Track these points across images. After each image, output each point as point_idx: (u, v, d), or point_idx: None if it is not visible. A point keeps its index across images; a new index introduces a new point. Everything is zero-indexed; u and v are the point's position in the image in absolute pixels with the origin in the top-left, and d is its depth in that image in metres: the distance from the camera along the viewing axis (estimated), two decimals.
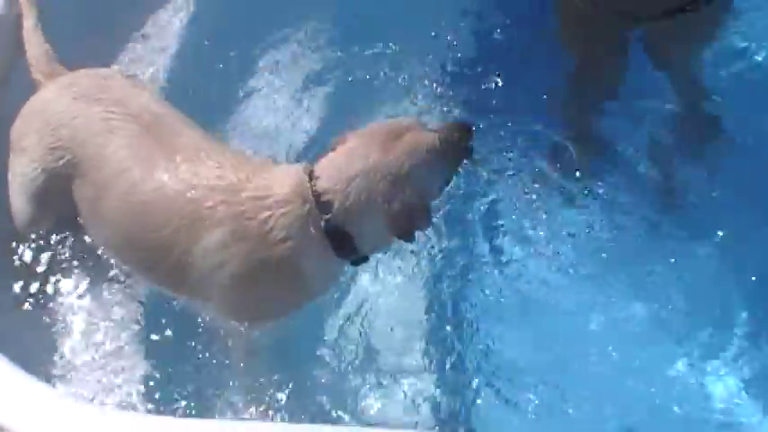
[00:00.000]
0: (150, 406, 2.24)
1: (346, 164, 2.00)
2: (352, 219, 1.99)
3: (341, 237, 2.01)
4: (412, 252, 2.66)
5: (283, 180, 2.04)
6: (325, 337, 2.51)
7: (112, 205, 2.12)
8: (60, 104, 2.22)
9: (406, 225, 2.03)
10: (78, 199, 2.20)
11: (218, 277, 2.03)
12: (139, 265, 2.22)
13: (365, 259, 2.18)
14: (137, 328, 2.38)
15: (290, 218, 1.98)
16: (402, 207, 1.97)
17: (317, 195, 1.98)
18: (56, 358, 2.30)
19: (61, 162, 2.17)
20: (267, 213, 1.98)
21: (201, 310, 2.25)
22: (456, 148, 2.14)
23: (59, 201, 2.24)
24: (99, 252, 2.32)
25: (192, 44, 3.18)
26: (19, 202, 2.28)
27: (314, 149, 2.75)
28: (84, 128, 2.15)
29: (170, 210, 2.03)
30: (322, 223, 1.98)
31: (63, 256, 2.39)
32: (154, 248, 2.08)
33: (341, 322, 2.54)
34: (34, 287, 2.35)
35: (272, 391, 2.29)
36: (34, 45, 2.41)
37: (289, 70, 3.28)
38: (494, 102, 3.18)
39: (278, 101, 3.19)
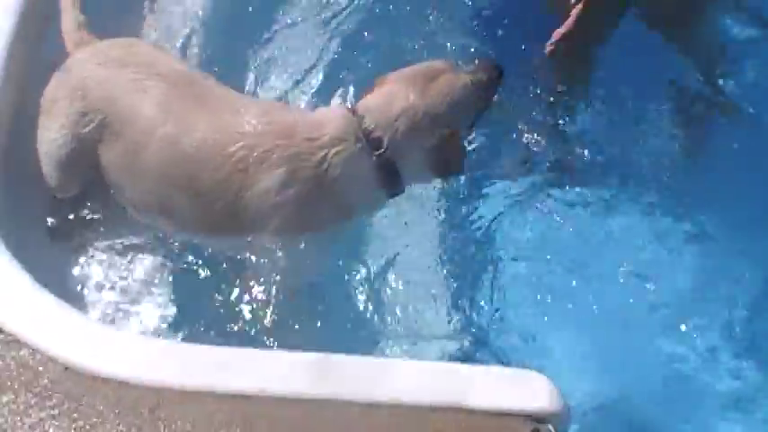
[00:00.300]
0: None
1: (390, 104, 2.16)
2: (400, 154, 2.16)
3: (390, 171, 2.19)
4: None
5: (333, 120, 2.17)
6: (356, 283, 2.59)
7: (153, 159, 2.16)
8: (90, 70, 2.27)
9: (444, 159, 2.24)
10: (109, 162, 2.23)
11: (280, 213, 2.13)
12: (183, 214, 2.22)
13: (402, 191, 2.32)
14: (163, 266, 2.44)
15: (345, 155, 2.12)
16: (440, 142, 2.17)
17: (366, 133, 2.13)
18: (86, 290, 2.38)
19: (91, 126, 2.21)
20: (323, 153, 2.10)
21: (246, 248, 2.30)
22: (486, 87, 2.32)
23: (87, 167, 2.28)
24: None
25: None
26: (48, 168, 2.33)
27: None
28: (115, 89, 2.20)
29: (220, 156, 2.09)
30: (374, 159, 2.14)
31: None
32: (202, 194, 2.12)
33: (372, 269, 2.63)
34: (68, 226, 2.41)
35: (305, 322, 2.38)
36: (70, 14, 2.44)
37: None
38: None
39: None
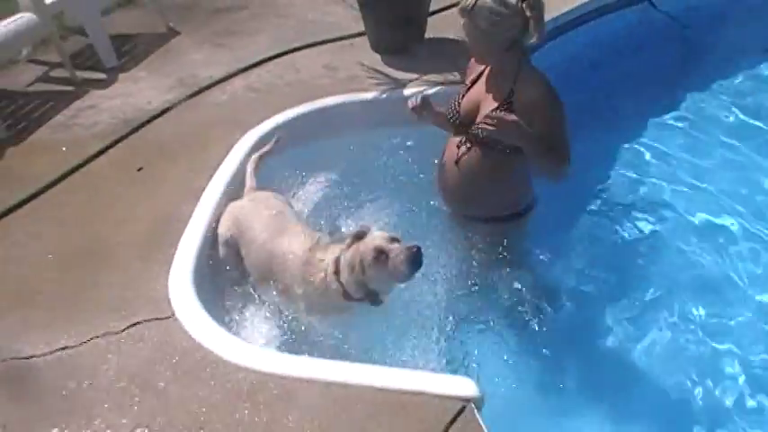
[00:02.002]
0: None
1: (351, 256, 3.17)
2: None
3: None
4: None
5: (329, 256, 3.27)
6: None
7: (254, 254, 3.50)
8: (242, 206, 3.72)
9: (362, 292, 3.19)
10: (243, 251, 3.56)
11: (302, 298, 3.32)
12: (266, 284, 3.48)
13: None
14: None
15: (331, 276, 3.21)
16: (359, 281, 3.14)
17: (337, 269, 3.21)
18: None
19: (235, 231, 3.60)
20: (322, 273, 3.25)
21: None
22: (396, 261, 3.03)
23: (236, 252, 3.61)
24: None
25: None
26: (220, 252, 3.66)
27: None
28: (248, 215, 3.61)
29: (280, 260, 3.38)
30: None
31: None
32: (274, 276, 3.41)
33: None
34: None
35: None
36: (250, 180, 3.94)
37: None
38: None
39: None
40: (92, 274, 3.56)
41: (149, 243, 3.69)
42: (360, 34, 5.67)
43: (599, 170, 4.72)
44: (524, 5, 3.06)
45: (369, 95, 4.83)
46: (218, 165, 4.17)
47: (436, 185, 3.74)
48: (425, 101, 3.53)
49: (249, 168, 3.97)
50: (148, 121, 4.77)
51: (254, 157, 4.05)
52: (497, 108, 3.22)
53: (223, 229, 3.65)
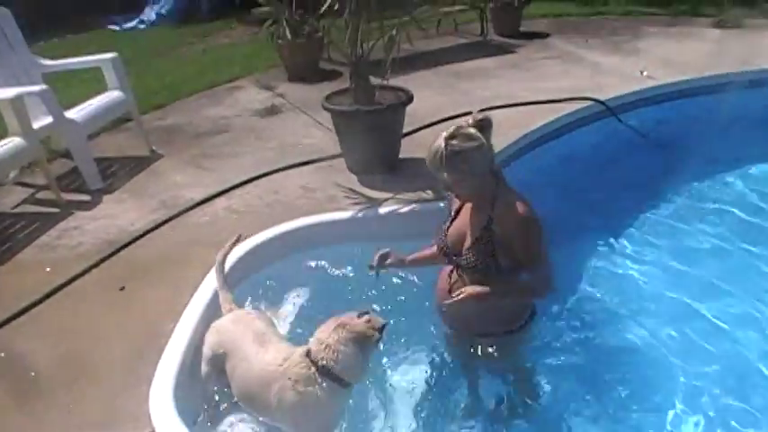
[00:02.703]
0: None
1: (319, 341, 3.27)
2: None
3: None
4: None
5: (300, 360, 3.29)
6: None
7: (238, 373, 3.44)
8: (225, 325, 3.67)
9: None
10: (227, 372, 3.51)
11: (280, 409, 3.28)
12: (250, 405, 3.48)
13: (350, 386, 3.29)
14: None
15: (306, 378, 3.22)
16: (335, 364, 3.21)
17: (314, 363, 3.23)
18: None
19: (221, 351, 3.54)
20: (294, 379, 3.23)
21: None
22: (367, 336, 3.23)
23: (219, 373, 3.57)
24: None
25: None
26: (203, 370, 3.64)
27: None
28: (233, 335, 3.56)
29: (259, 376, 3.34)
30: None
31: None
32: (255, 396, 3.38)
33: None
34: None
35: None
36: (225, 295, 3.88)
37: None
38: None
39: None
40: (74, 390, 3.61)
41: (131, 359, 3.77)
42: (338, 156, 5.93)
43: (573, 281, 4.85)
44: (480, 131, 3.16)
45: (345, 214, 5.02)
46: (199, 284, 4.29)
47: (435, 310, 3.75)
48: (382, 257, 3.73)
49: (218, 280, 3.92)
50: (131, 242, 4.92)
51: (218, 258, 4.00)
52: (477, 240, 3.29)
53: (207, 349, 3.65)
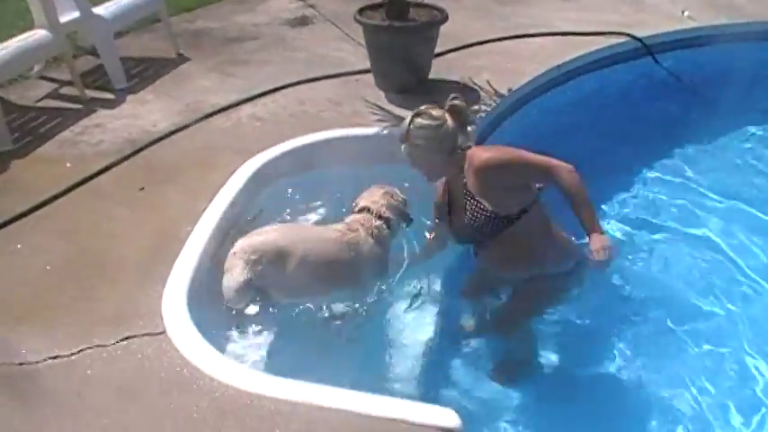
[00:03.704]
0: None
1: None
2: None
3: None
4: None
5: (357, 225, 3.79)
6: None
7: (309, 259, 3.56)
8: (277, 227, 3.87)
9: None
10: (285, 269, 3.53)
11: (357, 264, 3.66)
12: (317, 283, 3.61)
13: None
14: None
15: (377, 228, 3.78)
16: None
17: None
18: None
19: (282, 245, 3.56)
20: (360, 232, 3.73)
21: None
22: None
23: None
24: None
25: None
26: (243, 278, 3.50)
27: None
28: (289, 231, 3.83)
29: (335, 246, 3.65)
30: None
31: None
32: (329, 267, 3.61)
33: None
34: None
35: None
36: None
37: None
38: None
39: None
40: (88, 287, 3.61)
41: (147, 260, 3.76)
42: (366, 71, 5.80)
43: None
44: (449, 114, 3.43)
45: (371, 131, 4.92)
46: (219, 188, 4.26)
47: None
48: None
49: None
50: (153, 143, 4.88)
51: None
52: (464, 207, 3.45)
53: (263, 246, 3.54)
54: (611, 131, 5.59)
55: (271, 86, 5.62)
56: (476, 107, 5.24)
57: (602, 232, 3.27)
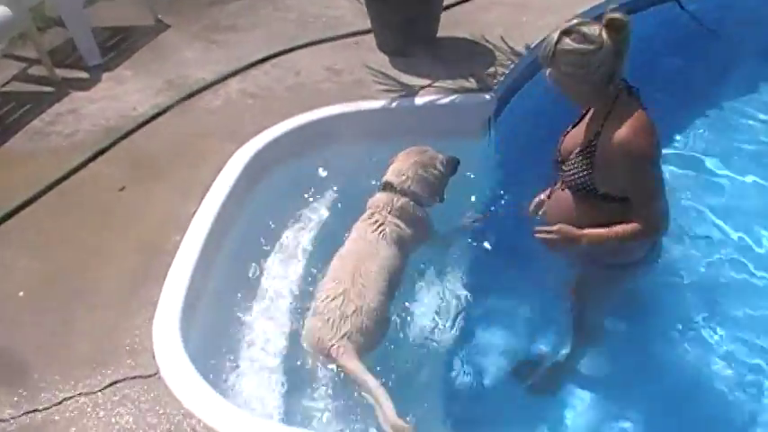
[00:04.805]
0: None
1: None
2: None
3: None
4: None
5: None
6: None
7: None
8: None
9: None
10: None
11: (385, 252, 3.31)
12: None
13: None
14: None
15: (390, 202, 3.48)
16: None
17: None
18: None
19: None
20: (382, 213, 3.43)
21: None
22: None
23: None
24: None
25: None
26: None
27: None
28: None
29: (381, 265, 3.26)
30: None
31: None
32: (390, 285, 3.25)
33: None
34: None
35: None
36: None
37: None
38: None
39: None
40: (66, 317, 3.15)
41: (132, 279, 3.29)
42: (366, 32, 5.22)
43: None
44: (606, 33, 2.68)
45: (377, 104, 4.39)
46: (211, 184, 3.76)
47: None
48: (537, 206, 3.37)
49: None
50: (134, 130, 4.33)
51: None
52: (581, 151, 2.91)
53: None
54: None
55: (261, 55, 5.03)
56: (491, 69, 4.70)
57: (579, 239, 2.88)
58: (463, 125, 4.34)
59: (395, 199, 3.45)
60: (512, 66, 4.73)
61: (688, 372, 3.36)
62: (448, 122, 4.34)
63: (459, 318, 3.44)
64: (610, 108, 2.82)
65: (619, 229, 2.83)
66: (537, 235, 2.93)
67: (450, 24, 5.14)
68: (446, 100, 4.36)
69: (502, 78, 4.59)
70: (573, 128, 3.10)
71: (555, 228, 2.89)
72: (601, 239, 2.87)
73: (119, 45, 5.43)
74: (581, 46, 2.68)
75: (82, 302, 3.21)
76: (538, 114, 4.43)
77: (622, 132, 2.74)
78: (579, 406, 3.28)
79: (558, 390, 3.32)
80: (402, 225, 3.39)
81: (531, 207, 3.36)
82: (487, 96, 4.39)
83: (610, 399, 3.30)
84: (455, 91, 4.45)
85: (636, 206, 2.82)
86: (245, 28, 5.57)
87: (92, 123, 4.45)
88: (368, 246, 3.29)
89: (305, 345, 3.05)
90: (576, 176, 2.91)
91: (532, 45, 4.88)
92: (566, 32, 2.70)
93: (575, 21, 2.73)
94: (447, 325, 3.40)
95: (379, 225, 3.36)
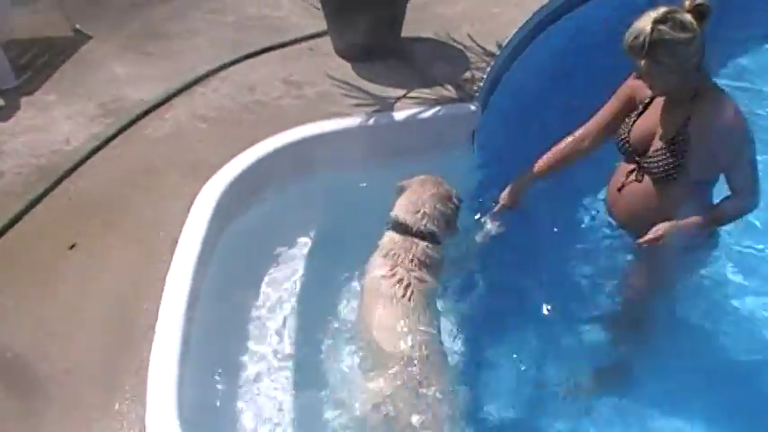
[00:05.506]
0: None
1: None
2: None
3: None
4: None
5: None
6: None
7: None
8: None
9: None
10: None
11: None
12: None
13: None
14: None
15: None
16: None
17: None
18: None
19: None
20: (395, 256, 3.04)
21: None
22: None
23: None
24: None
25: None
26: None
27: None
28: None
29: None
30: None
31: None
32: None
33: None
34: None
35: None
36: None
37: None
38: None
39: None
40: (32, 426, 2.57)
41: (103, 366, 2.73)
42: (318, 35, 4.71)
43: None
44: (694, 18, 2.65)
45: (351, 121, 3.91)
46: (179, 232, 3.23)
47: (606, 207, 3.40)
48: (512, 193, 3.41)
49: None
50: (72, 169, 3.69)
51: None
52: (671, 139, 2.86)
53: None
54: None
55: (205, 68, 4.43)
56: (468, 74, 4.29)
57: (688, 228, 2.91)
58: (448, 139, 3.95)
59: (414, 247, 3.05)
60: (488, 69, 4.33)
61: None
62: (432, 137, 3.93)
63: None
64: (694, 93, 2.81)
65: (727, 206, 2.93)
66: (644, 245, 2.93)
67: (413, 21, 4.64)
68: (429, 113, 3.92)
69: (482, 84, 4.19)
70: (638, 116, 3.02)
71: (659, 232, 2.88)
72: (703, 223, 2.93)
73: (34, 62, 4.68)
74: (680, 35, 2.63)
75: (50, 402, 2.63)
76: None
77: (724, 113, 2.77)
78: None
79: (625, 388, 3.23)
80: (426, 277, 3.02)
81: (505, 195, 3.39)
82: (472, 107, 3.99)
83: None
84: (436, 101, 4.01)
85: (740, 182, 2.87)
86: (180, 35, 4.94)
87: (18, 163, 3.75)
88: (403, 313, 2.92)
89: None
90: (667, 164, 2.86)
91: (503, 43, 4.52)
92: (660, 21, 2.61)
93: (662, 8, 2.65)
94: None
95: (407, 286, 2.94)
